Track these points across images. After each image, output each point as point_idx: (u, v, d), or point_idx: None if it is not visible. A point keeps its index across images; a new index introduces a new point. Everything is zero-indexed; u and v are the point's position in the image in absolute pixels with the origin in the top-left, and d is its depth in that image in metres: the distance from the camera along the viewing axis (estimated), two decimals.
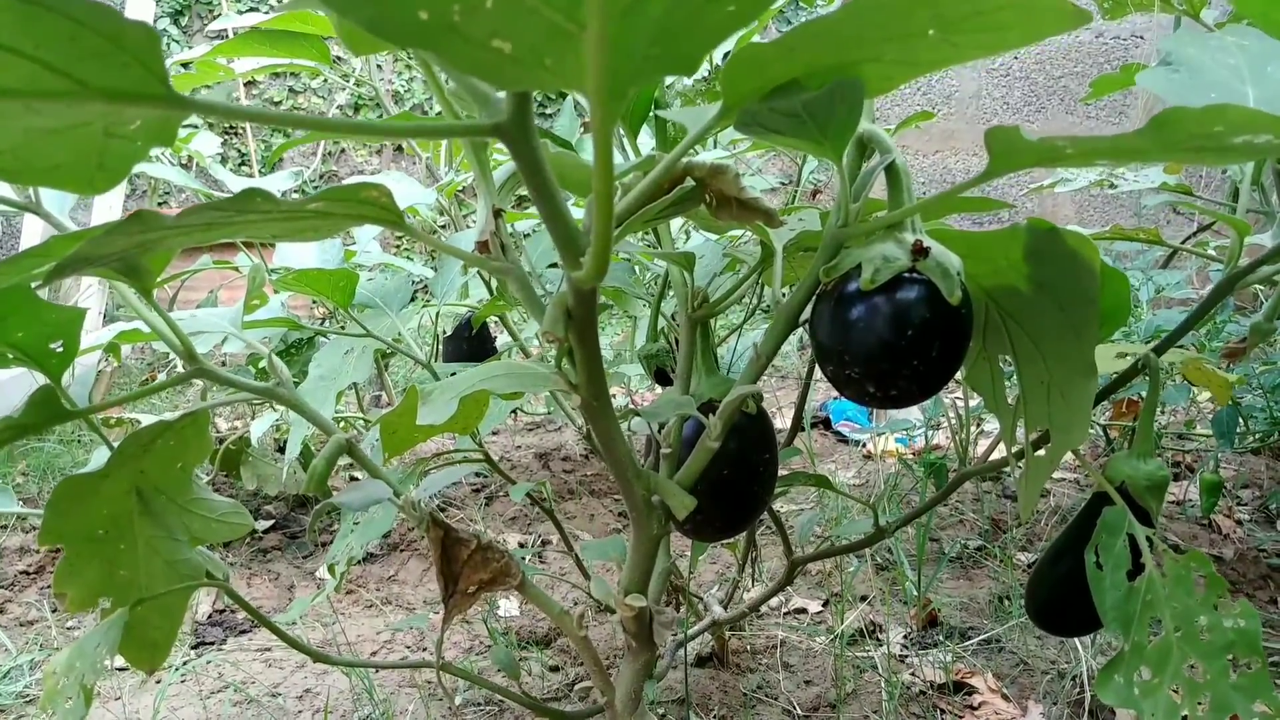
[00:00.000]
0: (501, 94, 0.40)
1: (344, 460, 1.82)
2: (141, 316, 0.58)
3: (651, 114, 0.68)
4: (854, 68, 0.45)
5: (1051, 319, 0.52)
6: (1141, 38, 3.87)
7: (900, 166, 0.48)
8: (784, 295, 0.53)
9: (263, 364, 1.42)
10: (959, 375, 0.56)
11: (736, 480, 0.58)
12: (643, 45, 0.30)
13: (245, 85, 3.53)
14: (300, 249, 0.93)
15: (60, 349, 0.56)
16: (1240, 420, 1.48)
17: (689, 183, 0.50)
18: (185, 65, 1.07)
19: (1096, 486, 0.54)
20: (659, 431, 0.60)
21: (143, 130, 0.34)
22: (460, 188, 0.97)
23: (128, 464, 0.60)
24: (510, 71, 0.31)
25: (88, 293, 2.17)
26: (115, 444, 0.60)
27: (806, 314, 0.53)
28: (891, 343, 0.46)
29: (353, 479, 1.84)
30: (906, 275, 0.46)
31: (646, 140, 0.75)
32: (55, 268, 0.40)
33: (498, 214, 0.52)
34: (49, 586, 1.48)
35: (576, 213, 0.47)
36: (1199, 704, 0.46)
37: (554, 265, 0.99)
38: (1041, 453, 0.57)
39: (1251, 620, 0.45)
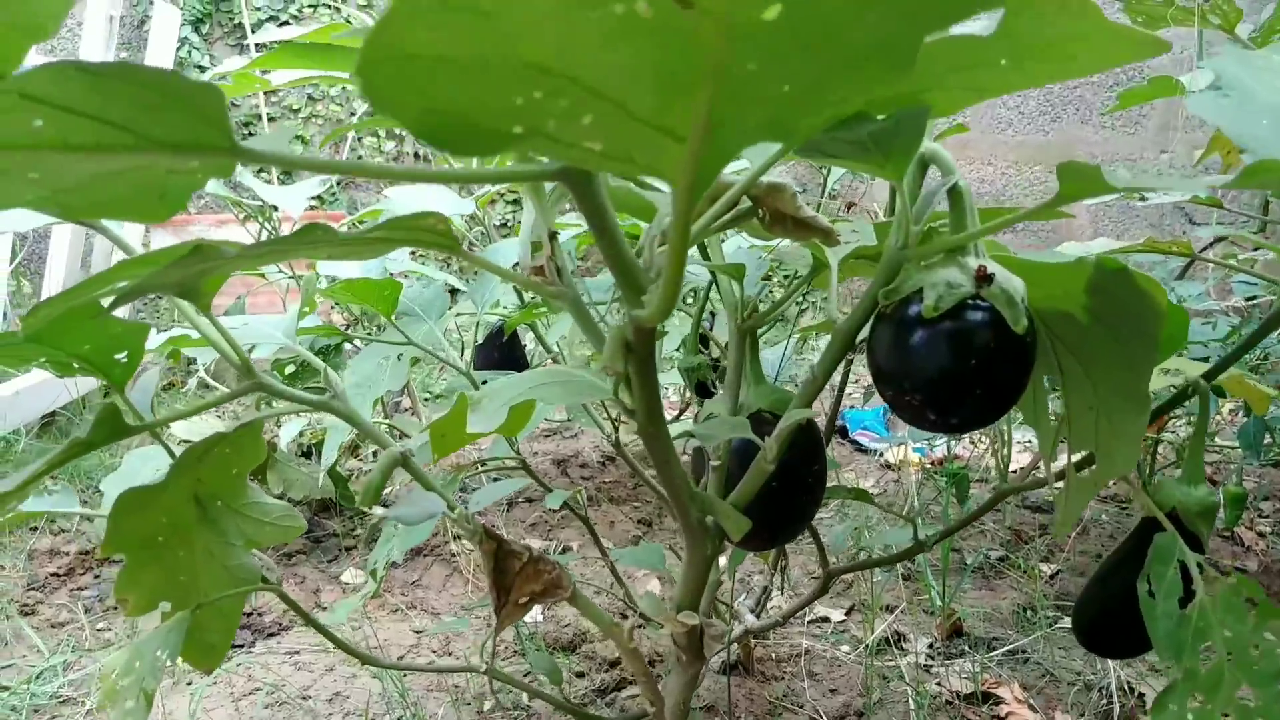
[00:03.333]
0: None
1: (352, 463, 1.84)
2: (199, 329, 0.59)
3: None
4: (920, 95, 0.46)
5: (1106, 349, 0.52)
6: None
7: (964, 188, 0.48)
8: (841, 313, 0.54)
9: (290, 369, 1.43)
10: None
11: (786, 492, 0.59)
12: (733, 150, 0.31)
13: (265, 94, 3.55)
14: (343, 261, 0.95)
15: (125, 360, 0.57)
16: (1268, 433, 1.48)
17: (745, 201, 0.51)
18: (223, 77, 1.08)
19: (1145, 511, 0.54)
20: (710, 447, 0.61)
21: (202, 168, 0.35)
22: (492, 198, 0.98)
23: (186, 473, 0.61)
24: (595, 162, 0.31)
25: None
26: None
27: (863, 334, 0.53)
28: (955, 371, 0.47)
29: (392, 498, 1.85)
30: (970, 301, 0.47)
31: None
32: (124, 293, 0.41)
33: (552, 237, 0.53)
34: (80, 588, 1.50)
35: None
36: None
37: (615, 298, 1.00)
38: (1085, 474, 0.58)
39: None
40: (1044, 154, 3.90)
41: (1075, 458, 0.57)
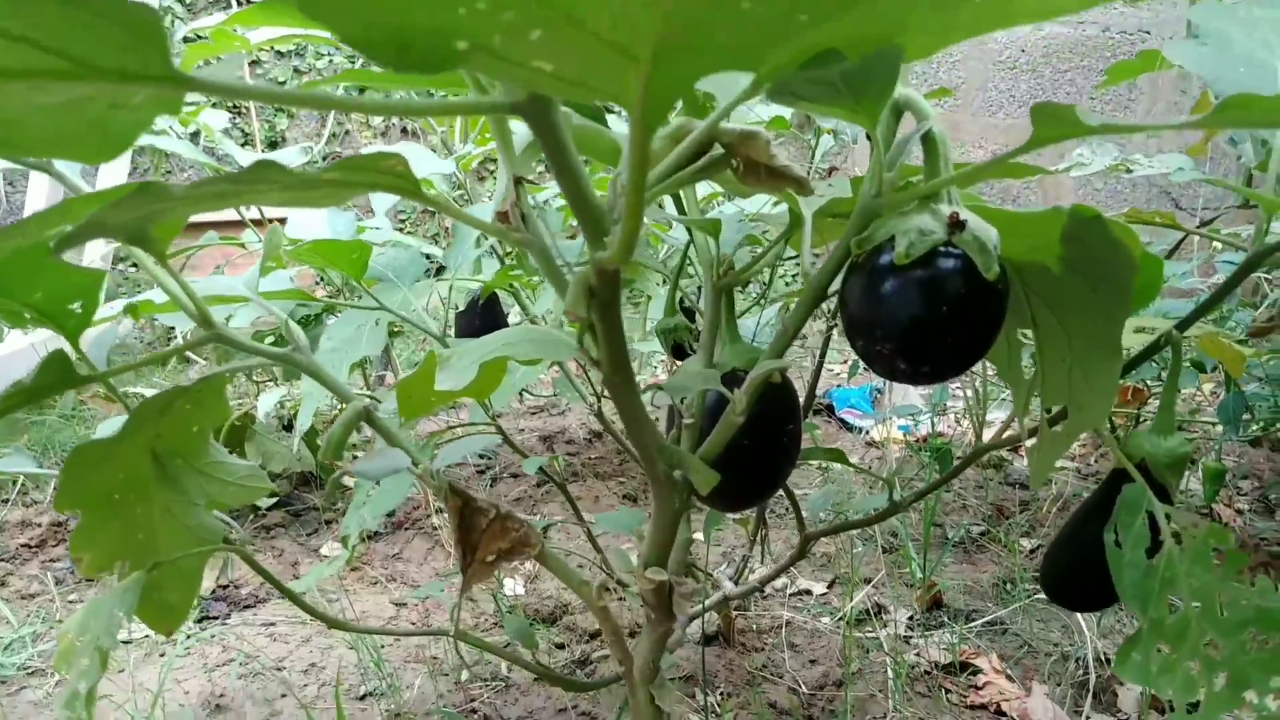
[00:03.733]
0: None
1: (352, 438, 1.82)
2: (156, 279, 0.57)
3: None
4: (894, 35, 0.45)
5: (1080, 299, 0.51)
6: (1148, 33, 3.85)
7: (938, 135, 0.47)
8: (814, 265, 0.53)
9: (269, 340, 1.42)
10: None
11: (760, 451, 0.58)
12: (693, 75, 0.30)
13: (250, 65, 3.51)
14: (312, 222, 0.93)
15: (79, 310, 0.56)
16: (1246, 410, 1.48)
17: (716, 149, 0.50)
18: (200, 36, 1.06)
19: (1115, 463, 0.54)
20: (681, 403, 0.60)
21: (147, 103, 0.34)
22: (477, 160, 0.97)
23: (144, 428, 0.60)
24: (547, 84, 0.30)
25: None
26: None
27: (835, 286, 0.52)
28: (925, 318, 0.45)
29: (355, 459, 1.84)
30: (942, 249, 0.45)
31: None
32: (68, 236, 0.39)
33: (518, 183, 0.52)
34: (51, 560, 1.48)
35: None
36: (1217, 679, 0.46)
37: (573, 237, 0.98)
38: (1058, 429, 0.57)
39: (1271, 596, 0.45)
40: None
41: (1051, 412, 0.56)
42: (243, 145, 3.47)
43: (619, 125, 0.68)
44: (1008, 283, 0.48)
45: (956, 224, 0.46)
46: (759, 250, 0.68)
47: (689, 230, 0.72)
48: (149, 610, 0.63)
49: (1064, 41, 3.88)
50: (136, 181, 0.37)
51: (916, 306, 0.46)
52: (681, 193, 0.73)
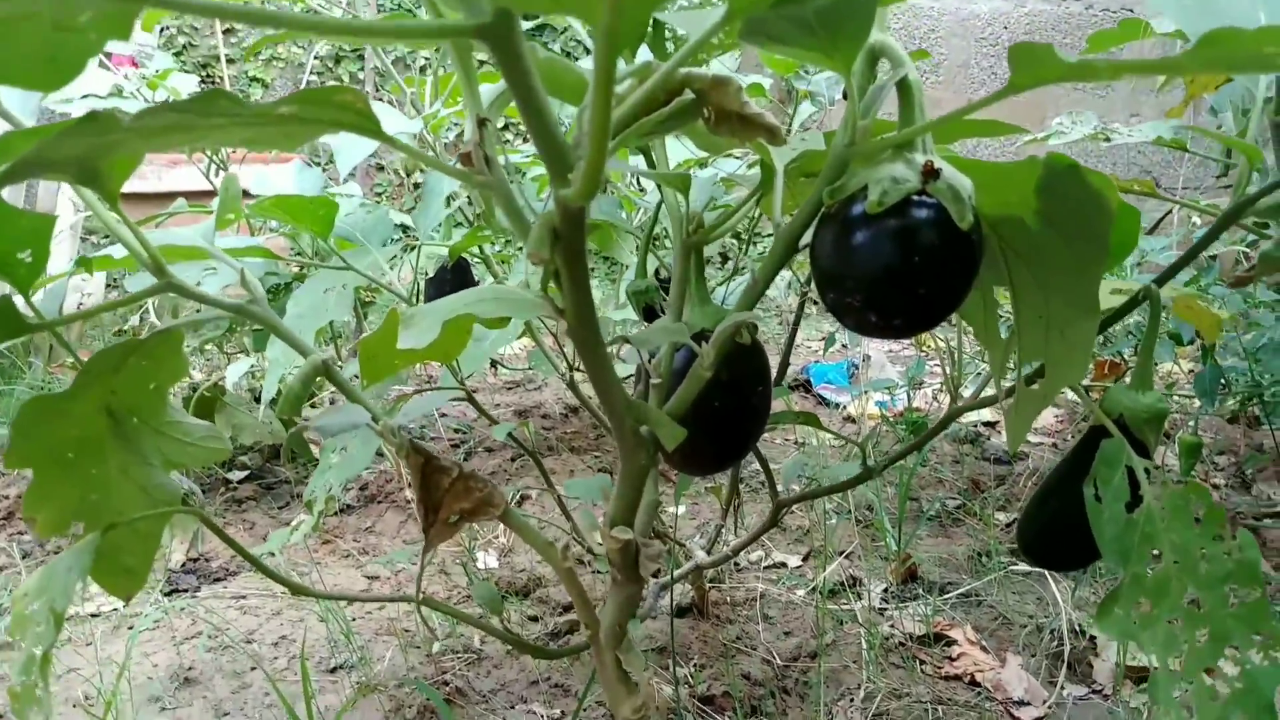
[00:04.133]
0: None
1: (309, 414, 1.80)
2: (105, 224, 0.55)
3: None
4: None
5: (1056, 254, 0.50)
6: (1131, 10, 3.85)
7: (914, 81, 0.46)
8: (784, 221, 0.51)
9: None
10: None
11: (728, 412, 0.57)
12: None
13: (225, 33, 3.44)
14: (278, 180, 0.91)
15: (29, 259, 0.54)
16: (1223, 384, 1.49)
17: (687, 95, 0.48)
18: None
19: (1093, 420, 0.53)
20: (649, 361, 0.59)
21: (94, 23, 0.32)
22: (447, 124, 0.94)
23: (97, 383, 0.58)
24: None
25: (60, 238, 2.12)
26: None
27: (807, 239, 0.51)
28: (897, 268, 0.44)
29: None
30: (915, 198, 0.44)
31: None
32: (10, 169, 0.37)
33: (482, 124, 0.50)
34: (18, 532, 1.46)
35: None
36: (1198, 634, 0.45)
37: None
38: (1035, 387, 0.56)
39: (1251, 550, 0.44)
40: (1016, 114, 3.88)
41: (1027, 371, 0.56)
42: None
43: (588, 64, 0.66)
44: (982, 235, 0.47)
45: (931, 172, 0.45)
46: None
47: (660, 189, 0.71)
48: (106, 574, 0.61)
49: (1047, 18, 3.87)
50: (84, 113, 0.35)
51: (889, 256, 0.44)
52: (653, 151, 0.71)
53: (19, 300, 0.52)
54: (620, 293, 1.62)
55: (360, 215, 0.91)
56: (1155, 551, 0.47)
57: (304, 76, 3.56)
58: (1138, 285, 0.58)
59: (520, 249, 1.20)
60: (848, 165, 0.48)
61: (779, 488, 0.87)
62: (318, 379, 0.59)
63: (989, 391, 0.64)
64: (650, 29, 0.66)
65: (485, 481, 0.56)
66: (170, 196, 2.14)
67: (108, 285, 2.26)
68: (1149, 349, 0.52)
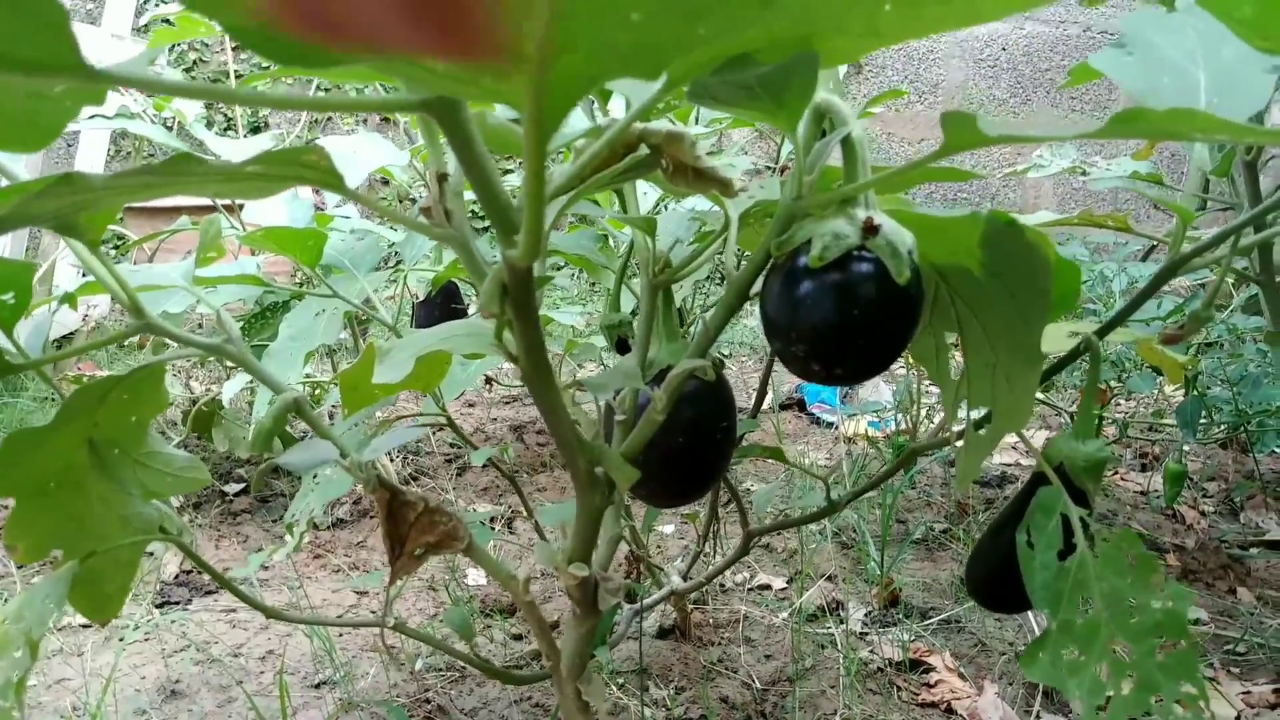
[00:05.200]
0: None
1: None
2: (87, 267, 0.57)
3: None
4: (815, 39, 0.45)
5: (1001, 305, 0.52)
6: None
7: (856, 139, 0.48)
8: (739, 266, 0.53)
9: (240, 324, 1.42)
10: None
11: (691, 448, 0.59)
12: (588, 81, 0.31)
13: (234, 50, 3.48)
14: (271, 208, 0.93)
15: (11, 300, 0.56)
16: (1206, 412, 1.50)
17: (643, 150, 0.50)
18: (167, 21, 1.06)
19: (1036, 466, 0.54)
20: (614, 399, 0.60)
21: (69, 94, 0.34)
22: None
23: (79, 417, 0.60)
24: (439, 85, 0.30)
25: (64, 260, 2.15)
26: None
27: (758, 287, 0.53)
28: (836, 321, 0.46)
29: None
30: (856, 253, 0.46)
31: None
32: None
33: (441, 179, 0.52)
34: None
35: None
36: (1125, 682, 0.47)
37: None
38: (983, 432, 0.58)
39: (1180, 602, 0.46)
40: (1002, 147, 3.89)
41: (976, 415, 0.57)
42: (225, 130, 3.46)
43: (577, 120, 0.68)
44: (921, 288, 0.48)
45: (871, 229, 0.46)
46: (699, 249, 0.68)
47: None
48: (84, 600, 0.63)
49: (1045, 41, 3.89)
50: (60, 173, 0.37)
51: (829, 310, 0.46)
52: (625, 192, 0.73)
53: (2, 339, 0.55)
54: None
55: (349, 243, 0.93)
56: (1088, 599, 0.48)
57: (310, 88, 3.60)
58: (1088, 328, 0.60)
59: None
60: (795, 218, 0.50)
61: (753, 516, 0.89)
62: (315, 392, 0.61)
63: (946, 430, 0.65)
64: (598, 96, 0.68)
65: (450, 515, 0.58)
66: (175, 210, 2.17)
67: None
68: (1090, 399, 0.54)
